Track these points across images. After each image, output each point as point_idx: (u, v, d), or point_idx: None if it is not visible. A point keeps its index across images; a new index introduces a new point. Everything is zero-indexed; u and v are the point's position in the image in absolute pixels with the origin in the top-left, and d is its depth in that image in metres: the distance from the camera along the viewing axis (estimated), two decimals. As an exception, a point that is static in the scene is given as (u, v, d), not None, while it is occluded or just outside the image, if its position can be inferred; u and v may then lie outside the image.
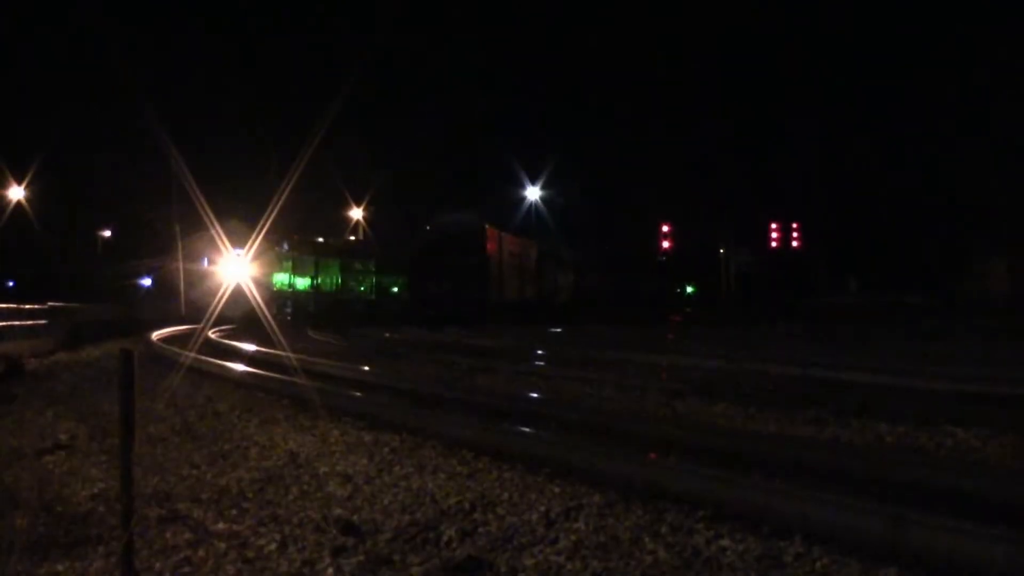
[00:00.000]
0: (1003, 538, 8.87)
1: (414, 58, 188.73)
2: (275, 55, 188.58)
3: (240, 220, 70.38)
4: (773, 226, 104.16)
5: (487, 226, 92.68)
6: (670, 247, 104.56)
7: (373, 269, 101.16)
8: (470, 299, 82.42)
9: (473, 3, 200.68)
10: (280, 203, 48.39)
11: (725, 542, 9.59)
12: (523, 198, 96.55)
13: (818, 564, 8.82)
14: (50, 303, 54.19)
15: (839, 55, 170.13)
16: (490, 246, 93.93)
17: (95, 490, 13.32)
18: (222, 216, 66.21)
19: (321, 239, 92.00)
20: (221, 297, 49.68)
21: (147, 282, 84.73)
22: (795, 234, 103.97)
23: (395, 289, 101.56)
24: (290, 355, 34.14)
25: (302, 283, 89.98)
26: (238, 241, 56.54)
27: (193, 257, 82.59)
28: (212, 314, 47.46)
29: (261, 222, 52.12)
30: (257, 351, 37.94)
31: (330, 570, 9.42)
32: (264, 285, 72.66)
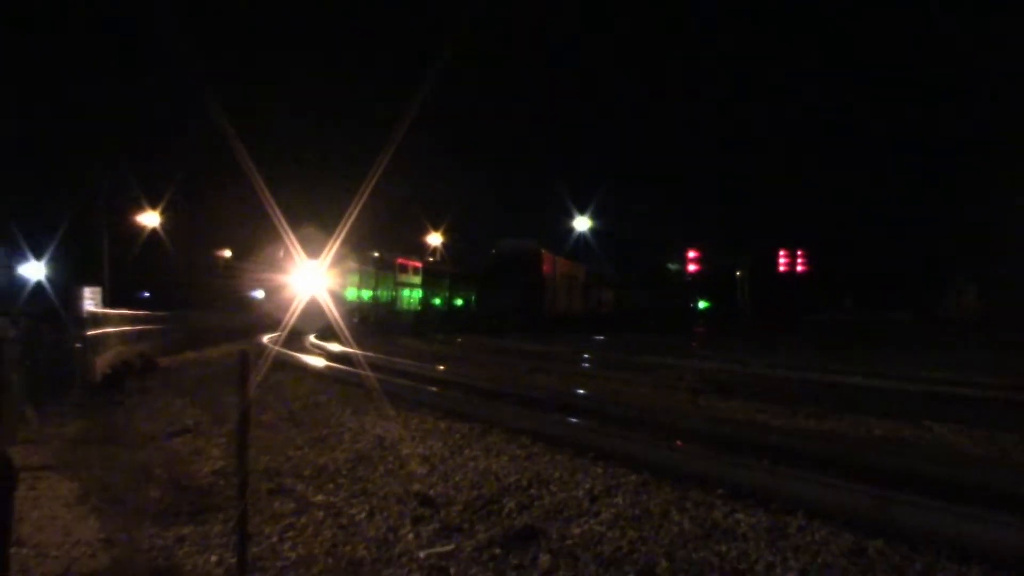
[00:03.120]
0: (975, 516, 8.85)
1: (485, 108, 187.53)
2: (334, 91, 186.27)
3: (316, 227, 70.16)
4: (782, 252, 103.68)
5: (543, 251, 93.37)
6: (696, 270, 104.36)
7: (419, 283, 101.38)
8: (528, 311, 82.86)
9: (529, 54, 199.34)
10: (352, 218, 48.12)
11: (740, 516, 9.58)
12: (572, 228, 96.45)
13: (817, 535, 8.80)
14: (179, 311, 54.40)
15: (844, 112, 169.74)
16: (546, 267, 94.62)
17: (215, 467, 13.42)
18: (300, 222, 66.33)
19: (376, 254, 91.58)
20: (296, 307, 49.40)
21: (259, 294, 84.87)
22: (800, 259, 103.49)
23: (437, 301, 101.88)
24: (377, 356, 34.21)
25: (367, 294, 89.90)
26: (315, 250, 56.00)
27: (288, 271, 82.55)
28: (289, 321, 47.30)
29: (334, 238, 51.59)
30: (345, 352, 37.94)
31: (410, 536, 9.45)
32: (338, 296, 72.49)
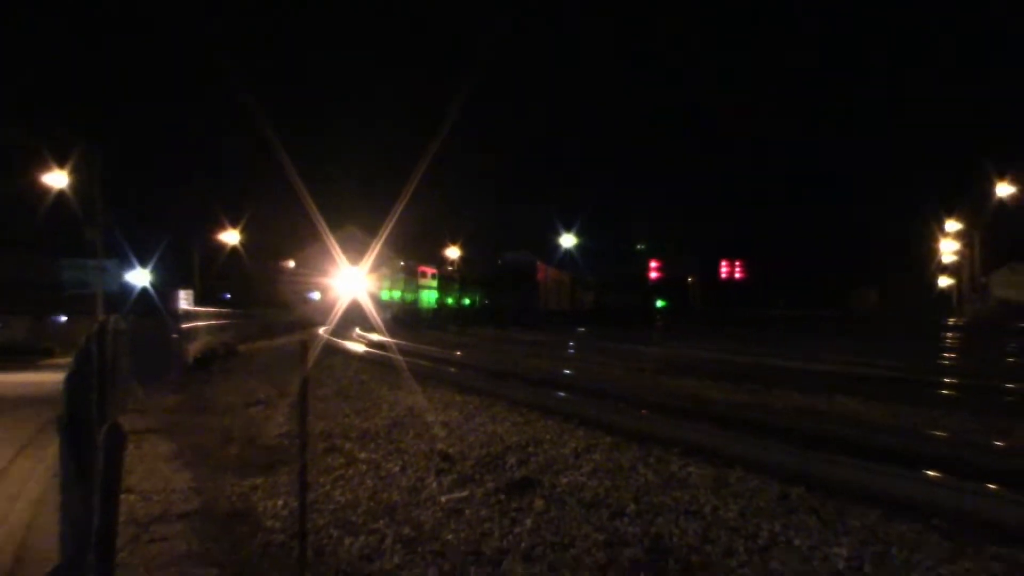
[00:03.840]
0: (880, 471, 8.88)
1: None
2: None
3: (357, 227, 69.50)
4: (723, 262, 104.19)
5: (538, 261, 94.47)
6: (657, 277, 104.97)
7: (436, 286, 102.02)
8: (526, 309, 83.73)
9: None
10: (386, 234, 47.85)
11: (691, 469, 9.58)
12: (560, 244, 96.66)
13: (752, 484, 8.81)
14: (253, 308, 54.43)
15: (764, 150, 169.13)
16: (540, 275, 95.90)
17: (281, 431, 13.44)
18: (343, 223, 66.33)
19: (403, 262, 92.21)
20: (342, 305, 49.11)
21: (316, 295, 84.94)
22: (738, 267, 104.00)
23: (450, 301, 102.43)
24: (406, 344, 34.23)
25: (396, 295, 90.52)
26: (356, 259, 55.37)
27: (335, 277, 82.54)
28: (336, 316, 47.01)
29: (370, 250, 51.16)
30: (381, 341, 37.89)
31: (434, 484, 9.47)
32: (375, 296, 72.55)
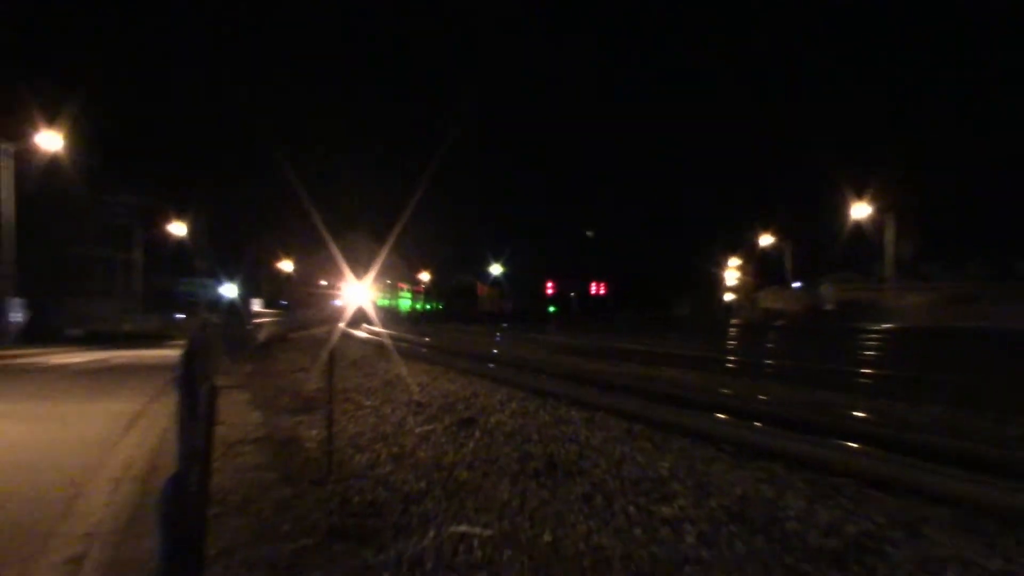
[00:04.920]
0: (690, 415, 9.04)
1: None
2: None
3: (365, 231, 67.28)
4: (593, 283, 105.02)
5: (477, 281, 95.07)
6: (552, 292, 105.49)
7: (410, 297, 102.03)
8: (469, 312, 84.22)
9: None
10: (381, 260, 47.38)
11: (573, 412, 9.65)
12: (491, 271, 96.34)
13: (610, 422, 8.91)
14: (299, 311, 53.80)
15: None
16: (480, 290, 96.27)
17: (316, 387, 13.23)
18: (353, 230, 65.27)
19: (388, 280, 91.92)
20: (352, 308, 48.51)
21: (338, 301, 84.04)
22: (602, 286, 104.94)
23: (419, 306, 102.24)
24: (392, 333, 34.02)
25: (385, 302, 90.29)
26: (363, 265, 54.09)
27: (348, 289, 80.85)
28: (348, 316, 46.40)
29: (371, 271, 50.24)
30: (377, 331, 37.57)
31: (411, 420, 9.44)
32: (374, 302, 72.14)
